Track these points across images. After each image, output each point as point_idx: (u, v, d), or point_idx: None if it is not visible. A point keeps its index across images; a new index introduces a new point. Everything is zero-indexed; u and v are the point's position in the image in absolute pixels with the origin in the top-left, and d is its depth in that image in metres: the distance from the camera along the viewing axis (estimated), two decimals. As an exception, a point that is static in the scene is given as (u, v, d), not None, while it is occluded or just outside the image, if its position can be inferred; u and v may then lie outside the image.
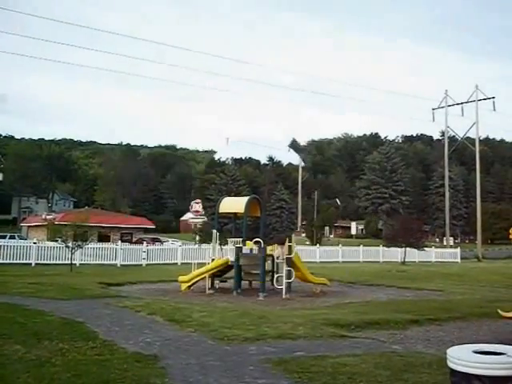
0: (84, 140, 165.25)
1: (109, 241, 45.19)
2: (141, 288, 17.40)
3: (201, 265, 17.76)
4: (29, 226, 59.88)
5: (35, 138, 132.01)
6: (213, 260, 16.76)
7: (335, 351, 7.29)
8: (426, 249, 40.10)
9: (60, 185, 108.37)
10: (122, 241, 53.12)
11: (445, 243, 63.53)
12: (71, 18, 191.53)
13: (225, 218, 30.29)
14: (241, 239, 16.79)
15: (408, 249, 37.34)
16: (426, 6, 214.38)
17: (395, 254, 39.63)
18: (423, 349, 8.45)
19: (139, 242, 43.65)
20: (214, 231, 17.17)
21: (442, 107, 57.24)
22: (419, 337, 9.74)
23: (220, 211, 17.80)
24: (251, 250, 16.76)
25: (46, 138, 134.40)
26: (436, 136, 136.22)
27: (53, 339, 7.60)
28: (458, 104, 56.18)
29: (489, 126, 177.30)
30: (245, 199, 18.23)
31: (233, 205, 18.61)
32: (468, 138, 64.67)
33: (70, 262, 23.22)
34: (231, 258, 16.47)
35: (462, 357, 3.63)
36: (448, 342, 9.28)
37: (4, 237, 46.81)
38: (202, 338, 8.17)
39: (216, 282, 16.88)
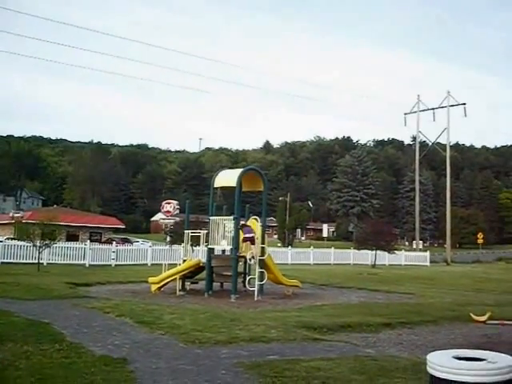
0: (54, 137, 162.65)
1: (77, 240, 44.43)
2: (110, 289, 17.04)
3: (172, 266, 17.52)
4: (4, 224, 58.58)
5: (4, 134, 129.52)
6: (184, 261, 16.51)
7: (309, 355, 7.18)
8: (396, 252, 40.36)
9: (28, 183, 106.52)
10: (91, 241, 52.37)
11: (414, 246, 64.14)
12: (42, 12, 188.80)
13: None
14: (230, 217, 15.63)
15: (378, 252, 37.53)
16: (400, 12, 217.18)
17: (366, 256, 39.79)
18: (396, 352, 8.39)
19: (109, 241, 43.00)
20: (186, 231, 16.91)
21: (414, 112, 57.76)
22: (392, 340, 9.70)
23: (215, 186, 16.51)
24: (223, 251, 16.59)
25: (15, 135, 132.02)
26: (407, 141, 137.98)
27: (17, 341, 7.33)
28: (429, 109, 56.78)
29: (459, 132, 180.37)
30: (239, 171, 16.58)
31: (228, 178, 16.64)
32: (438, 143, 65.48)
33: (37, 261, 22.67)
34: (203, 258, 16.21)
35: (444, 363, 3.53)
36: (421, 345, 9.28)
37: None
38: (173, 340, 7.97)
39: (187, 283, 16.63)
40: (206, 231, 16.11)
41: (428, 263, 45.12)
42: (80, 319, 9.73)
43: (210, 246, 15.76)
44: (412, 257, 45.98)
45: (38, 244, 22.33)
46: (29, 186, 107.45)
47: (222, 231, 15.53)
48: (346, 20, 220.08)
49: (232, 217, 15.37)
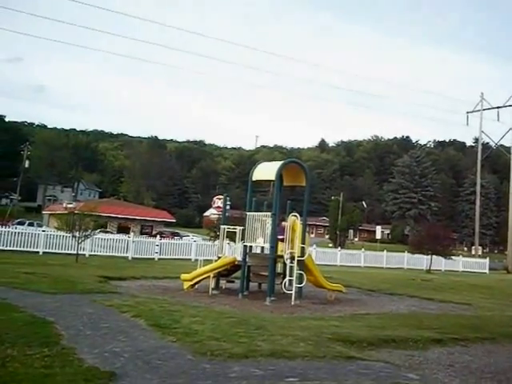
0: (115, 132, 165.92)
1: (128, 232, 44.36)
2: (142, 284, 16.25)
3: (209, 262, 16.55)
4: (50, 214, 59.55)
5: (67, 128, 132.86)
6: (219, 258, 15.48)
7: (337, 378, 5.97)
8: (453, 257, 38.28)
9: (87, 175, 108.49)
10: (142, 233, 52.54)
11: (473, 252, 61.44)
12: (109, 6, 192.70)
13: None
14: (269, 213, 14.51)
15: (434, 256, 35.65)
16: (464, 11, 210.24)
17: (420, 261, 37.96)
18: (446, 379, 7.06)
19: (158, 235, 42.69)
20: (223, 226, 15.88)
21: (477, 111, 55.17)
22: (441, 361, 8.32)
23: (254, 179, 15.14)
24: (262, 249, 15.47)
25: (78, 129, 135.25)
26: (469, 142, 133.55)
27: (4, 342, 6.45)
28: (493, 108, 54.04)
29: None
30: (279, 163, 15.06)
31: (267, 171, 15.18)
32: (502, 145, 62.35)
33: (76, 252, 22.23)
34: (240, 256, 15.10)
35: None
36: (476, 370, 7.88)
37: (23, 223, 46.61)
38: (182, 350, 6.91)
39: (222, 282, 15.61)
40: (242, 227, 14.99)
41: (487, 270, 42.80)
42: (90, 318, 8.82)
43: (245, 244, 14.64)
44: (470, 263, 43.72)
45: (76, 235, 21.87)
46: (87, 178, 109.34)
47: (260, 228, 14.39)
48: (407, 19, 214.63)
49: (270, 213, 14.22)
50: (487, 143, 69.33)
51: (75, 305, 10.22)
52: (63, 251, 25.23)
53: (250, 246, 15.21)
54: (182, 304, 11.41)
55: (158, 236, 32.96)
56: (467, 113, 56.37)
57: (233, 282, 15.87)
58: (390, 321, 11.54)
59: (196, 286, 15.07)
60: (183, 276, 14.90)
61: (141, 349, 6.86)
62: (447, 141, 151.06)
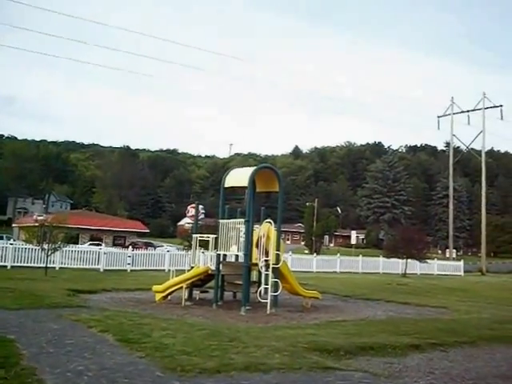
0: (86, 142, 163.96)
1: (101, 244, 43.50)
2: (113, 297, 15.75)
3: (181, 273, 16.15)
4: (20, 227, 58.28)
5: (38, 139, 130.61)
6: (192, 268, 15.09)
7: (313, 392, 5.66)
8: (428, 261, 38.36)
9: (58, 186, 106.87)
10: (115, 244, 51.67)
11: (447, 255, 61.85)
12: (78, 14, 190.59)
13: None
14: (242, 220, 14.15)
15: (409, 260, 35.68)
16: (433, 19, 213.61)
17: (396, 265, 37.97)
18: (426, 387, 6.81)
19: (133, 246, 41.98)
20: (195, 236, 15.50)
21: (448, 115, 55.66)
22: (421, 368, 8.07)
23: (226, 186, 14.87)
24: (237, 257, 15.14)
25: (49, 140, 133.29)
26: (440, 146, 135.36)
27: (-43, 366, 6.00)
28: (464, 112, 54.59)
29: (494, 138, 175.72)
30: (251, 169, 14.82)
31: (240, 177, 14.95)
32: (472, 149, 63.07)
33: (45, 265, 21.58)
34: (213, 265, 14.71)
35: None
36: (456, 376, 7.65)
37: (-9, 237, 45.49)
38: (151, 367, 6.52)
39: (196, 292, 15.22)
40: (215, 236, 14.62)
41: (462, 273, 43.08)
42: (54, 335, 8.36)
43: (218, 252, 14.28)
44: (445, 266, 43.98)
45: (45, 247, 21.25)
46: (58, 190, 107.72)
47: (233, 236, 14.04)
48: (377, 23, 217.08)
49: (243, 220, 13.90)
50: (458, 147, 70.12)
51: (40, 320, 9.74)
52: (32, 264, 24.52)
53: (224, 255, 14.88)
54: (152, 317, 11.00)
55: (130, 247, 32.29)
56: (438, 117, 56.91)
57: (207, 291, 15.49)
58: (367, 327, 11.30)
59: (169, 297, 14.66)
60: (155, 287, 14.48)
61: (107, 366, 6.46)
62: (419, 145, 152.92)
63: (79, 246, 35.48)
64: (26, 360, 6.56)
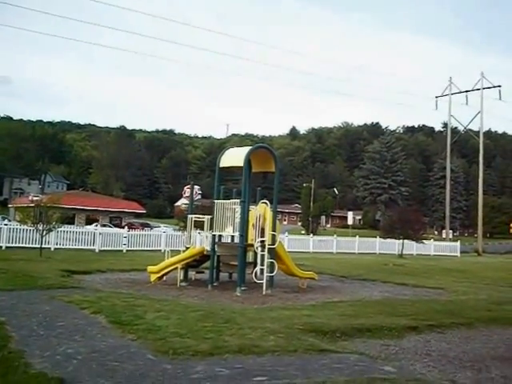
0: (82, 122, 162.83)
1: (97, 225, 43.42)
2: (108, 277, 15.64)
3: (178, 253, 16.01)
4: (16, 208, 58.04)
5: (33, 119, 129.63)
6: (187, 248, 14.94)
7: (308, 375, 5.51)
8: (424, 241, 38.32)
9: (54, 167, 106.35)
10: (112, 225, 51.56)
11: (444, 236, 61.88)
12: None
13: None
14: (237, 201, 13.95)
15: (406, 241, 35.62)
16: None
17: (392, 246, 37.94)
18: (423, 370, 6.70)
19: (129, 226, 41.85)
20: (190, 216, 15.33)
21: (446, 95, 55.34)
22: (418, 350, 7.95)
23: (221, 166, 14.58)
24: (232, 238, 15.01)
25: (45, 120, 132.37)
26: (438, 127, 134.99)
27: None
28: (462, 92, 54.27)
29: (492, 118, 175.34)
30: (247, 149, 14.45)
31: (235, 157, 14.54)
32: (470, 129, 62.76)
33: (39, 245, 21.43)
34: (208, 246, 14.56)
35: None
36: (453, 358, 7.54)
37: (-13, 218, 45.31)
38: (142, 349, 6.38)
39: (191, 273, 15.09)
40: (210, 216, 14.44)
41: (458, 254, 43.10)
42: (46, 317, 8.23)
43: (214, 233, 14.12)
44: (441, 247, 44.00)
45: (40, 228, 21.08)
46: (55, 170, 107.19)
47: (229, 217, 13.87)
48: (374, 3, 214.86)
49: (239, 200, 13.72)
50: (455, 128, 69.90)
51: (32, 302, 9.61)
52: (27, 245, 24.38)
53: (220, 236, 14.74)
54: (146, 298, 10.87)
55: (126, 227, 32.13)
56: (436, 97, 56.56)
57: (202, 272, 15.38)
58: (363, 308, 11.19)
59: (164, 278, 14.54)
60: (150, 268, 14.35)
61: (97, 349, 6.32)
62: (416, 126, 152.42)
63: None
64: (15, 343, 6.42)
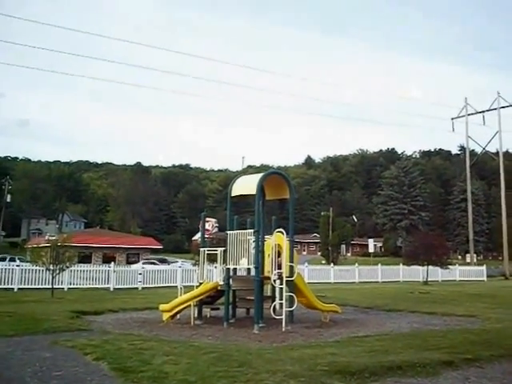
0: (100, 162, 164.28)
1: (114, 262, 42.74)
2: (119, 317, 14.86)
3: (191, 289, 15.22)
4: (31, 248, 57.76)
5: (51, 160, 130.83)
6: (200, 284, 14.15)
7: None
8: (449, 267, 37.09)
9: (71, 206, 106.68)
10: (129, 262, 50.96)
11: (468, 260, 60.30)
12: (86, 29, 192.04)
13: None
14: (251, 231, 13.10)
15: (430, 267, 34.46)
16: (442, 22, 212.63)
17: (416, 272, 36.77)
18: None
19: (143, 263, 41.09)
20: (202, 249, 14.59)
21: (462, 116, 54.45)
22: (458, 390, 7.06)
23: (233, 194, 14.03)
24: (248, 271, 14.20)
25: (62, 160, 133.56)
26: (454, 150, 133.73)
27: None
28: (478, 112, 53.38)
29: (509, 138, 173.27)
30: (259, 175, 13.77)
31: (247, 185, 13.97)
32: (488, 151, 61.62)
33: (55, 286, 20.81)
34: (221, 281, 13.73)
35: None
36: (500, 399, 6.63)
37: (4, 259, 44.86)
38: (144, 403, 5.61)
39: (206, 310, 14.28)
40: (223, 248, 13.68)
41: (485, 278, 41.70)
42: (43, 365, 7.49)
43: (228, 266, 13.33)
44: (467, 271, 42.61)
45: (51, 268, 20.49)
46: (72, 209, 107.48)
47: (242, 248, 13.09)
48: (388, 28, 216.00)
49: (253, 230, 12.95)
50: (473, 150, 68.74)
51: (31, 349, 8.88)
52: (40, 286, 23.79)
53: (234, 269, 13.96)
54: (157, 339, 10.09)
55: (141, 264, 31.45)
56: (452, 119, 55.73)
57: (218, 309, 14.55)
58: (392, 342, 10.26)
59: (178, 316, 13.75)
60: (162, 307, 13.56)
61: (93, 405, 5.57)
62: (432, 150, 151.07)
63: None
64: (1, 399, 5.69)
